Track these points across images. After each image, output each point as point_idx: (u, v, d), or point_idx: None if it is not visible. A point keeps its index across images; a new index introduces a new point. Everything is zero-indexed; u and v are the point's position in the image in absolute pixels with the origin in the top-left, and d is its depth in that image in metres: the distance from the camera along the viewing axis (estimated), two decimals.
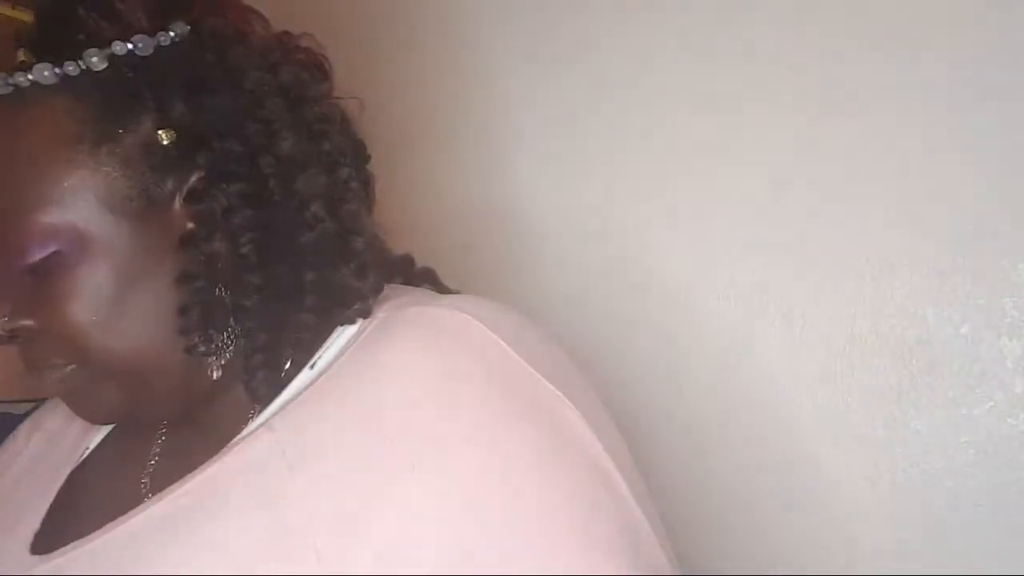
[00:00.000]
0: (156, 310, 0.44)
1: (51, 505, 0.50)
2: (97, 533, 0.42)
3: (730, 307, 0.67)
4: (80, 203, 0.43)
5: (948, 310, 0.54)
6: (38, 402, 1.38)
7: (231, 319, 0.45)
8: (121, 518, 0.42)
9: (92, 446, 0.55)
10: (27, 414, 1.27)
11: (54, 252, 0.42)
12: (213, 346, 0.45)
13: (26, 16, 1.11)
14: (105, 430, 0.56)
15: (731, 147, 0.67)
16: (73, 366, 0.45)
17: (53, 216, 0.42)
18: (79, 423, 0.56)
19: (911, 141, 0.57)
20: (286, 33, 0.52)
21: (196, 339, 0.44)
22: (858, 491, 0.58)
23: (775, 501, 0.62)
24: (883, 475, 0.57)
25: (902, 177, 0.57)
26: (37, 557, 0.44)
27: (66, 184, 0.43)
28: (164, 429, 0.52)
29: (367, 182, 0.52)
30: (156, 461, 0.50)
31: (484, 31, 0.75)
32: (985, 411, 0.52)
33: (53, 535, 0.46)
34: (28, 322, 0.44)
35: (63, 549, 0.43)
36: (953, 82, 0.55)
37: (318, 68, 0.53)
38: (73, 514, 0.48)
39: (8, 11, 1.10)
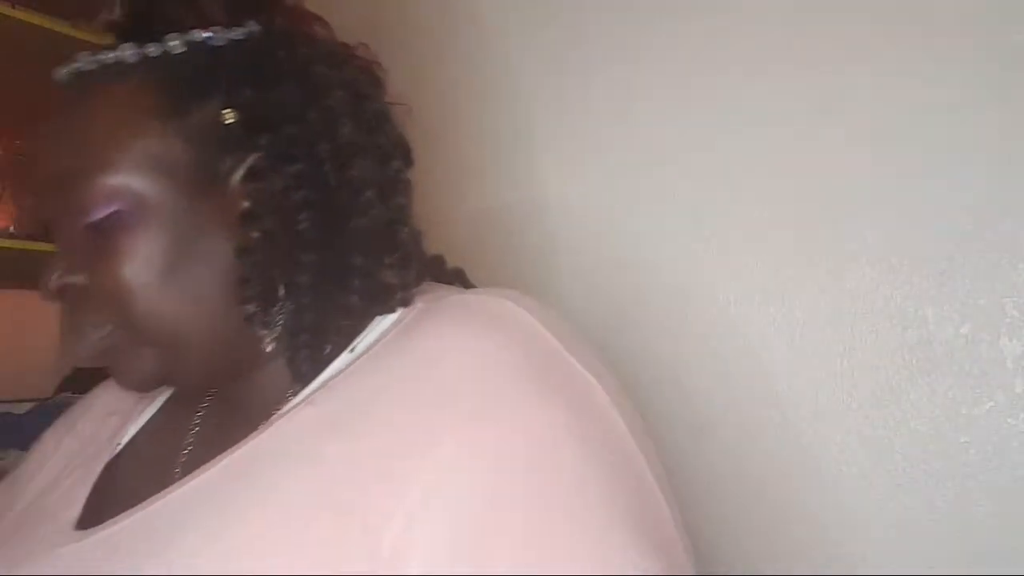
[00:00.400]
0: (205, 281, 0.47)
1: (90, 493, 0.51)
2: (137, 508, 0.43)
3: (731, 308, 0.67)
4: (144, 170, 0.46)
5: (948, 310, 0.54)
6: (38, 402, 1.38)
7: (283, 295, 0.47)
8: (160, 493, 0.43)
9: (125, 440, 0.57)
10: (27, 414, 1.27)
11: (114, 212, 0.45)
12: (268, 319, 0.47)
13: (26, 16, 1.11)
14: (139, 424, 0.58)
15: (731, 147, 0.68)
16: (111, 327, 0.47)
17: (118, 179, 0.45)
18: (113, 421, 0.59)
19: (911, 141, 0.57)
20: (344, 43, 0.56)
21: (255, 309, 0.46)
22: (858, 491, 0.58)
23: (775, 501, 0.62)
24: (883, 475, 0.57)
25: (902, 177, 0.57)
26: (80, 532, 0.46)
27: (133, 151, 0.46)
28: (198, 419, 0.54)
29: (408, 181, 0.54)
30: (190, 449, 0.52)
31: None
32: (985, 411, 0.52)
33: (94, 518, 0.48)
34: (79, 278, 0.47)
35: (105, 524, 0.44)
36: (953, 82, 0.55)
37: (374, 75, 0.56)
38: (112, 498, 0.50)
39: (8, 11, 1.11)
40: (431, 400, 0.40)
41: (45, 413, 1.24)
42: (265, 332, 0.47)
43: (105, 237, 0.46)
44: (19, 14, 1.12)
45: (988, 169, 0.53)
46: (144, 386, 0.50)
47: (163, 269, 0.45)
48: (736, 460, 0.65)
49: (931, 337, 0.55)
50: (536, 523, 0.37)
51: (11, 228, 1.23)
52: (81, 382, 1.52)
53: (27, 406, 1.26)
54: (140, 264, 0.45)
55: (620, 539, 0.37)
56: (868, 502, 0.57)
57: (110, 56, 0.47)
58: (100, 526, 0.44)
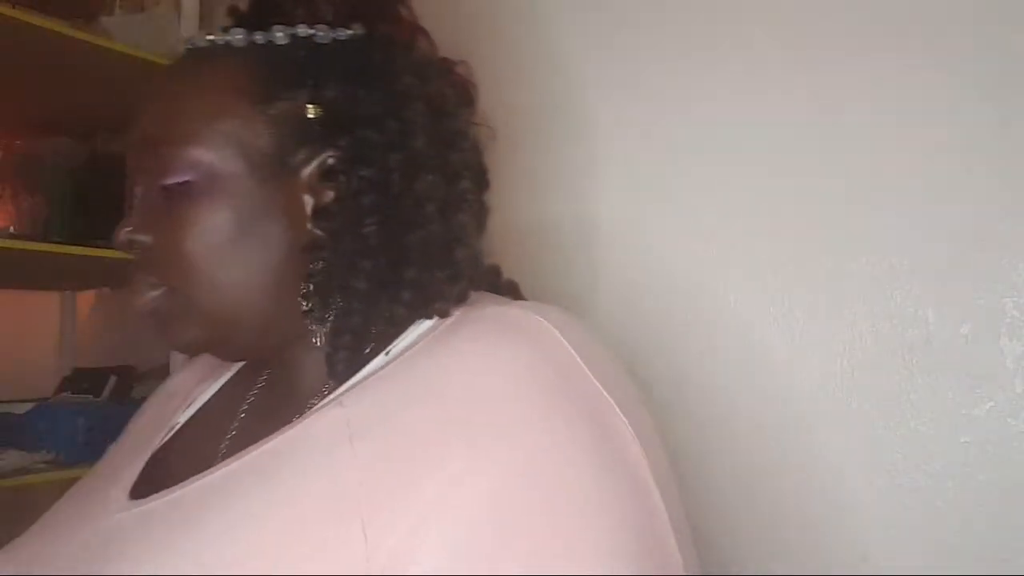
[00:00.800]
0: (259, 262, 0.49)
1: (147, 462, 0.54)
2: (181, 484, 0.45)
3: (731, 307, 0.67)
4: (224, 148, 0.48)
5: (948, 310, 0.54)
6: (38, 402, 1.38)
7: (337, 295, 0.49)
8: (202, 473, 0.45)
9: (183, 419, 0.60)
10: (27, 414, 1.27)
11: (187, 181, 0.48)
12: (322, 316, 0.49)
13: (26, 16, 1.11)
14: (196, 406, 0.61)
15: (730, 147, 0.68)
16: (162, 292, 0.50)
17: (197, 151, 0.48)
18: (175, 401, 0.63)
19: (911, 142, 0.57)
20: (446, 58, 0.57)
21: (312, 306, 0.49)
22: (858, 491, 0.58)
23: (775, 501, 0.62)
24: (883, 475, 0.57)
25: (902, 177, 0.57)
26: (133, 501, 0.48)
27: (218, 127, 0.48)
28: (246, 405, 0.57)
29: (483, 208, 0.56)
30: (234, 433, 0.55)
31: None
32: (985, 411, 0.52)
33: (148, 486, 0.50)
34: (146, 238, 0.50)
35: (153, 496, 0.47)
36: (953, 82, 0.55)
37: (465, 92, 0.57)
38: (164, 470, 0.53)
39: (8, 11, 1.11)
40: (449, 411, 0.41)
41: (45, 413, 1.25)
42: (315, 328, 0.50)
43: (175, 203, 0.48)
44: (19, 14, 1.12)
45: (988, 169, 0.53)
46: (189, 349, 0.53)
47: (222, 244, 0.48)
48: (736, 460, 0.65)
49: (931, 337, 0.55)
50: (538, 544, 0.37)
51: (11, 228, 1.23)
52: (81, 382, 1.52)
53: (27, 406, 1.26)
54: (201, 235, 0.47)
55: (623, 570, 0.37)
56: (868, 502, 0.57)
57: (221, 38, 0.50)
58: (149, 498, 0.47)
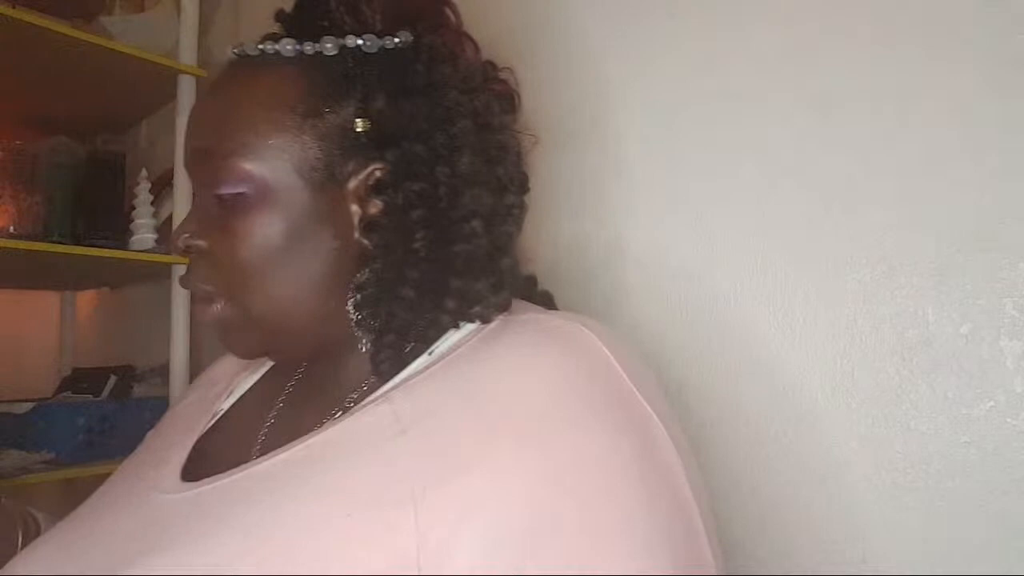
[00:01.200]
0: (308, 271, 0.50)
1: (193, 445, 0.56)
2: (236, 469, 0.47)
3: (730, 307, 0.67)
4: (276, 161, 0.49)
5: (948, 310, 0.54)
6: (38, 402, 1.38)
7: (384, 304, 0.50)
8: (254, 460, 0.47)
9: (225, 406, 0.63)
10: (27, 414, 1.27)
11: (241, 193, 0.49)
12: (372, 324, 0.51)
13: (26, 16, 1.11)
14: (236, 395, 0.64)
15: (730, 148, 0.68)
16: (223, 303, 0.52)
17: (252, 165, 0.49)
18: (217, 389, 0.65)
19: (911, 141, 0.57)
20: (490, 63, 0.59)
21: (363, 315, 0.51)
22: (858, 491, 0.58)
23: (774, 501, 0.62)
24: (883, 475, 0.57)
25: (902, 177, 0.57)
26: (186, 484, 0.50)
27: (270, 142, 0.49)
28: (284, 396, 0.59)
29: (522, 209, 0.58)
30: (271, 423, 0.57)
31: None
32: (985, 411, 0.52)
33: (196, 469, 0.52)
34: (203, 243, 0.52)
35: (205, 480, 0.48)
36: (953, 82, 0.55)
37: (509, 100, 0.59)
38: (210, 454, 0.56)
39: (8, 11, 1.11)
40: (494, 411, 0.42)
41: (45, 413, 1.25)
42: (361, 334, 0.52)
43: (229, 213, 0.50)
44: (19, 14, 1.12)
45: (988, 169, 0.53)
46: (249, 354, 0.55)
47: (273, 252, 0.49)
48: (735, 460, 0.65)
49: (931, 337, 0.55)
50: (573, 550, 0.38)
51: (11, 228, 1.23)
52: (81, 382, 1.52)
53: (27, 406, 1.26)
54: (254, 243, 0.49)
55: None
56: (868, 502, 0.57)
57: (271, 47, 0.52)
58: (201, 481, 0.48)
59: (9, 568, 0.50)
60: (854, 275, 0.59)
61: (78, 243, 1.28)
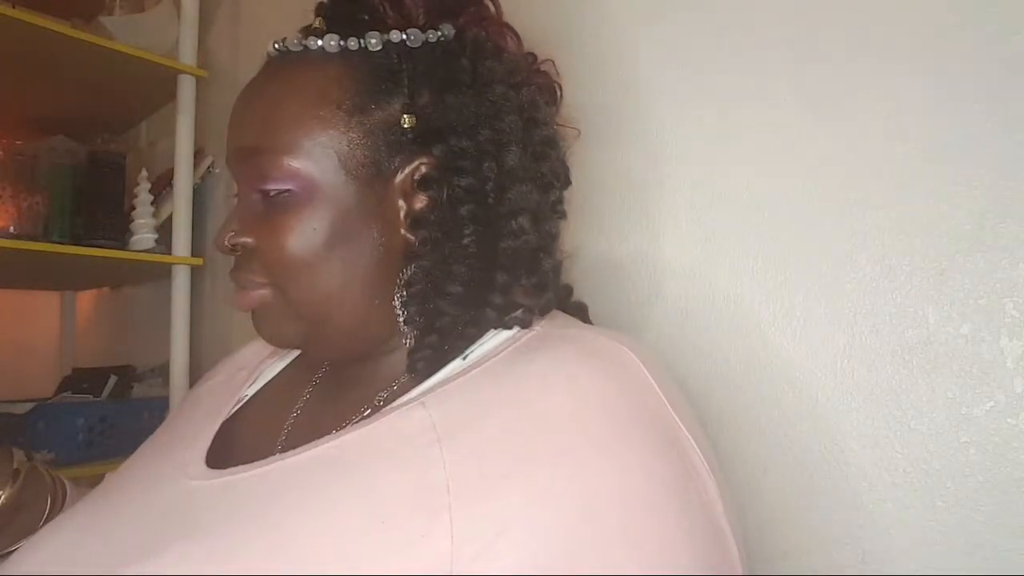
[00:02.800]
0: (354, 266, 0.50)
1: (217, 431, 0.56)
2: (265, 461, 0.47)
3: (730, 307, 0.67)
4: (322, 158, 0.49)
5: (948, 310, 0.54)
6: (38, 402, 1.38)
7: (430, 300, 0.50)
8: (284, 453, 0.47)
9: (250, 393, 0.62)
10: (27, 414, 1.27)
11: (288, 190, 0.49)
12: (417, 320, 0.51)
13: (26, 16, 1.11)
14: (260, 383, 0.63)
15: (731, 147, 0.68)
16: (266, 291, 0.51)
17: (298, 162, 0.49)
18: (241, 375, 0.64)
19: (911, 141, 0.57)
20: (532, 55, 0.58)
21: (410, 311, 0.50)
22: (858, 491, 0.58)
23: (774, 501, 0.62)
24: (883, 475, 0.57)
25: (902, 177, 0.57)
26: (212, 470, 0.50)
27: (317, 139, 0.49)
28: (310, 388, 0.59)
29: (563, 214, 0.58)
30: (297, 414, 0.57)
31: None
32: (985, 411, 0.52)
33: (221, 454, 0.52)
34: (249, 240, 0.51)
35: (232, 469, 0.48)
36: (953, 81, 0.55)
37: (551, 93, 0.59)
38: (235, 441, 0.56)
39: (8, 11, 1.11)
40: (534, 432, 0.41)
41: (45, 413, 1.25)
42: (407, 329, 0.51)
43: (276, 210, 0.50)
44: (19, 14, 1.12)
45: (988, 169, 0.53)
46: (282, 344, 0.55)
47: (320, 247, 0.49)
48: (735, 459, 0.65)
49: (931, 337, 0.55)
50: (613, 572, 0.37)
51: (11, 228, 1.23)
52: (81, 382, 1.52)
53: (27, 406, 1.26)
54: (300, 239, 0.49)
55: None
56: (868, 502, 0.57)
57: (315, 43, 0.51)
58: (228, 470, 0.48)
59: (32, 547, 0.49)
60: (854, 275, 0.59)
61: (78, 243, 1.28)
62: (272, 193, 0.50)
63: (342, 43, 0.51)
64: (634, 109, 0.74)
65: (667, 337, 0.70)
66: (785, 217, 0.64)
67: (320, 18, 0.54)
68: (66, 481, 0.67)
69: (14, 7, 1.15)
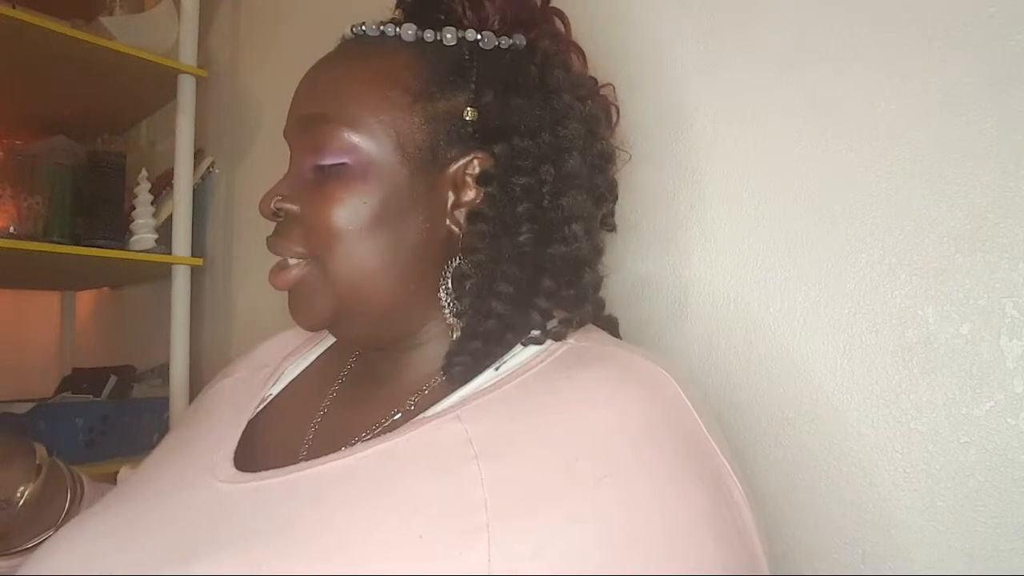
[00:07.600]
0: (398, 248, 0.50)
1: (242, 434, 0.55)
2: (296, 467, 0.46)
3: (730, 307, 0.67)
4: (382, 136, 0.50)
5: (948, 310, 0.54)
6: (38, 402, 1.38)
7: (476, 296, 0.50)
8: (315, 460, 0.46)
9: (275, 391, 0.62)
10: (27, 414, 1.27)
11: (343, 163, 0.50)
12: (460, 312, 0.51)
13: (26, 16, 1.11)
14: (286, 380, 0.63)
15: (731, 147, 0.68)
16: (303, 265, 0.51)
17: (358, 137, 0.50)
18: (264, 373, 0.64)
19: (911, 141, 0.57)
20: (593, 77, 0.59)
21: (463, 305, 0.50)
22: (858, 491, 0.58)
23: (773, 501, 0.62)
24: (883, 475, 0.57)
25: (902, 177, 0.57)
26: (241, 473, 0.49)
27: (380, 117, 0.50)
28: (337, 385, 0.59)
29: (612, 230, 0.59)
30: (324, 413, 0.57)
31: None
32: (985, 411, 0.52)
33: (248, 456, 0.52)
34: (295, 207, 0.52)
35: (263, 473, 0.47)
36: (953, 81, 0.55)
37: (607, 116, 0.60)
38: (261, 442, 0.55)
39: (8, 11, 1.11)
40: (573, 453, 0.41)
41: (45, 413, 1.25)
42: (456, 321, 0.51)
43: (328, 181, 0.50)
44: (19, 14, 1.12)
45: (988, 169, 0.53)
46: (314, 325, 0.54)
47: (366, 225, 0.49)
48: (734, 459, 0.65)
49: (931, 337, 0.55)
50: None
51: (11, 228, 1.23)
52: (81, 382, 1.52)
53: (27, 406, 1.26)
54: (348, 211, 0.49)
55: None
56: (868, 502, 0.57)
57: (393, 30, 0.53)
58: (258, 474, 0.47)
59: (61, 546, 0.48)
60: (854, 275, 0.59)
61: (78, 243, 1.28)
62: (327, 166, 0.50)
63: (419, 33, 0.52)
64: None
65: (667, 338, 0.70)
66: (785, 217, 0.64)
67: (400, 10, 0.56)
68: (83, 476, 0.67)
69: (14, 7, 1.15)
